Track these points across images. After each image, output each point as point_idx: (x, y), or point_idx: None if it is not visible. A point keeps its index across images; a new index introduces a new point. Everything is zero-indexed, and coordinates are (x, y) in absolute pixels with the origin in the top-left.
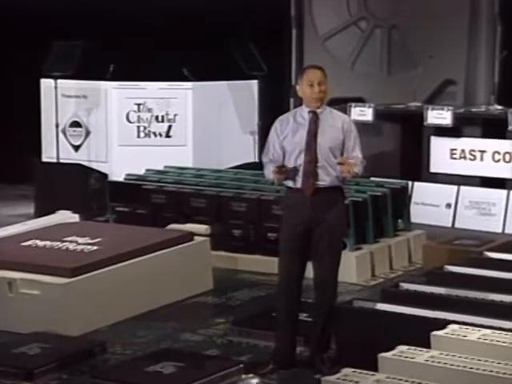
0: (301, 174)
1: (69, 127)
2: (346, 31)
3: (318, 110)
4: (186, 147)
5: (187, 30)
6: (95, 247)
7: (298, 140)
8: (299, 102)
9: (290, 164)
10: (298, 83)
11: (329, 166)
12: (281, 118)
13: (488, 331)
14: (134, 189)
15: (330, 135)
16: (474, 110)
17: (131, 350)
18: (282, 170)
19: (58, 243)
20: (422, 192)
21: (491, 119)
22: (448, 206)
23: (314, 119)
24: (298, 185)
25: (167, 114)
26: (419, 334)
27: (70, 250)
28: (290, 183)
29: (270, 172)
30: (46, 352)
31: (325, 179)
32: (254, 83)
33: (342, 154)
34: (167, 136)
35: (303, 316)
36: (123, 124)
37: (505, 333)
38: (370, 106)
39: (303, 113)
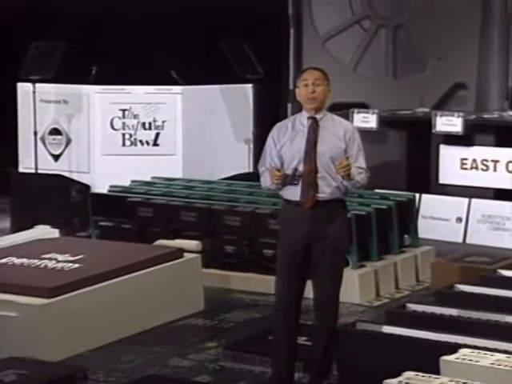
0: (299, 185)
1: (48, 135)
2: (348, 31)
3: (318, 116)
4: (175, 156)
5: (176, 29)
6: (76, 265)
7: (296, 148)
8: (298, 108)
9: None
10: (296, 86)
11: (330, 177)
12: (278, 124)
13: (502, 356)
14: (118, 202)
15: (330, 143)
16: (486, 116)
17: (115, 377)
18: (279, 173)
19: (36, 261)
20: (430, 205)
21: (505, 126)
22: (458, 220)
23: (314, 126)
24: (297, 197)
25: (155, 121)
26: (428, 358)
27: (48, 269)
28: (288, 195)
29: (266, 180)
30: (23, 379)
31: (325, 191)
32: (249, 87)
33: None
34: (155, 144)
35: (302, 339)
36: (107, 131)
37: None
38: (373, 112)
39: (302, 119)
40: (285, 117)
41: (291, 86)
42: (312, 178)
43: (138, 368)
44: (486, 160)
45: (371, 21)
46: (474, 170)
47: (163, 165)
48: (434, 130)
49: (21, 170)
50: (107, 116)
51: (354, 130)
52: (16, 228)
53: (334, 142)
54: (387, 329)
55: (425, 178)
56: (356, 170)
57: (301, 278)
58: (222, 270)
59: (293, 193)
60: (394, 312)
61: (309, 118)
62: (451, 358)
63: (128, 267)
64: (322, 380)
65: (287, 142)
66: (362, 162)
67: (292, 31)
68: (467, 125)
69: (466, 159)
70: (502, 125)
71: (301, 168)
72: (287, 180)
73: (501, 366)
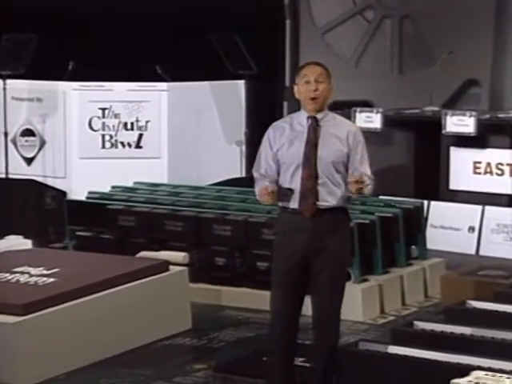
0: (298, 192)
1: (20, 136)
2: (350, 22)
3: (319, 116)
4: (160, 160)
5: (162, 21)
6: (51, 279)
7: (294, 152)
8: (296, 107)
9: (285, 180)
10: (295, 83)
11: (331, 184)
12: (275, 124)
13: None
14: (97, 209)
15: (332, 147)
16: (501, 115)
17: None
18: (270, 191)
19: (7, 275)
20: (440, 213)
21: None
22: (471, 229)
23: (314, 127)
24: (295, 205)
25: (137, 121)
26: (437, 382)
27: (21, 283)
28: (284, 203)
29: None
30: None
31: (326, 199)
32: (241, 84)
33: (346, 170)
34: (137, 146)
35: (299, 361)
36: (85, 132)
37: None
38: (378, 112)
39: (301, 119)
40: (281, 116)
41: (287, 83)
42: (312, 185)
43: None
44: (501, 164)
45: (375, 11)
46: (487, 175)
47: (147, 169)
48: (443, 131)
49: None
50: (85, 115)
51: (358, 132)
52: None
53: (336, 145)
54: (393, 349)
55: (434, 184)
56: (367, 177)
57: (298, 293)
58: (212, 285)
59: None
60: (401, 330)
61: (309, 117)
62: (463, 381)
63: (108, 281)
64: None
65: (285, 144)
66: (366, 168)
67: (288, 23)
68: (480, 125)
69: (479, 163)
70: None
71: (298, 175)
72: (279, 197)
73: None
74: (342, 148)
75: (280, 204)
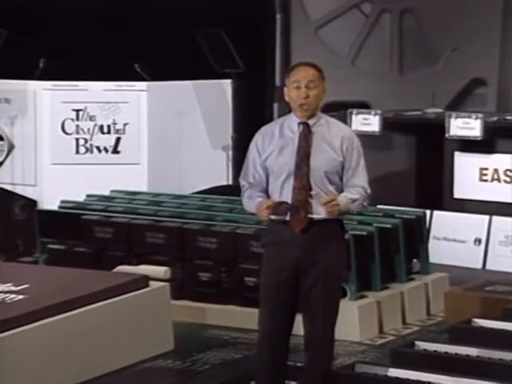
0: (288, 202)
1: None
2: (346, 16)
3: (311, 122)
4: (140, 166)
5: (141, 16)
6: (20, 296)
7: (285, 160)
8: (287, 109)
9: (275, 189)
10: (285, 85)
11: (325, 195)
12: (263, 129)
13: None
14: (71, 220)
15: (325, 156)
16: (509, 117)
17: None
18: (273, 206)
19: None
20: (443, 224)
21: None
22: (477, 241)
23: (306, 133)
24: (286, 217)
25: (115, 124)
26: None
27: None
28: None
29: (252, 204)
30: None
31: (319, 211)
32: (227, 83)
33: (341, 179)
34: (115, 152)
35: None
36: (58, 136)
37: None
38: (376, 114)
39: (292, 124)
40: (271, 119)
41: (278, 82)
42: (304, 197)
43: None
44: (510, 170)
45: (373, 4)
46: (495, 182)
47: (125, 176)
48: (447, 135)
49: None
50: (58, 118)
51: (354, 137)
52: None
53: (330, 154)
54: (393, 372)
55: (437, 192)
56: (346, 199)
57: (289, 311)
58: (196, 302)
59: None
60: (401, 351)
61: (300, 123)
62: None
63: (82, 299)
64: None
65: (274, 151)
66: (361, 179)
67: (278, 17)
68: (487, 128)
69: (485, 169)
70: None
71: (289, 185)
72: (277, 212)
73: None
74: (335, 157)
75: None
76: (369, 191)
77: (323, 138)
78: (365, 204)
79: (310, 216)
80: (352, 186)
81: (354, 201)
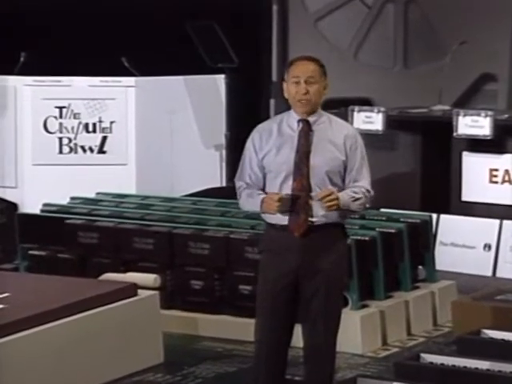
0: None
1: None
2: (347, 7)
3: (311, 119)
4: (127, 167)
5: (129, 7)
6: (0, 306)
7: (283, 159)
8: (285, 106)
9: (273, 190)
10: (284, 80)
11: None
12: (260, 126)
13: None
14: (54, 224)
15: (327, 155)
16: None
17: None
18: (282, 199)
19: None
20: (451, 228)
21: None
22: (487, 247)
23: (306, 131)
24: (284, 220)
25: (101, 122)
26: None
27: None
28: (272, 218)
29: (254, 201)
30: None
31: (320, 215)
32: (221, 78)
33: (343, 180)
34: (100, 151)
35: None
36: (40, 135)
37: None
38: (379, 111)
39: (291, 121)
40: (267, 116)
41: (275, 78)
42: (304, 198)
43: None
44: None
45: None
46: (506, 184)
47: (111, 177)
48: (455, 134)
49: None
50: (40, 115)
51: (357, 136)
52: None
53: (332, 153)
54: None
55: (444, 195)
56: (348, 196)
57: (287, 321)
58: (187, 312)
59: (278, 214)
60: (406, 365)
61: (299, 120)
62: None
63: (66, 308)
64: None
65: (272, 150)
66: (364, 180)
67: (275, 8)
68: (497, 126)
69: (496, 170)
70: None
71: (288, 186)
72: (284, 207)
73: None
74: (338, 155)
75: (266, 220)
76: (372, 193)
77: (325, 135)
78: (367, 206)
79: (310, 219)
80: (355, 187)
81: (356, 199)
